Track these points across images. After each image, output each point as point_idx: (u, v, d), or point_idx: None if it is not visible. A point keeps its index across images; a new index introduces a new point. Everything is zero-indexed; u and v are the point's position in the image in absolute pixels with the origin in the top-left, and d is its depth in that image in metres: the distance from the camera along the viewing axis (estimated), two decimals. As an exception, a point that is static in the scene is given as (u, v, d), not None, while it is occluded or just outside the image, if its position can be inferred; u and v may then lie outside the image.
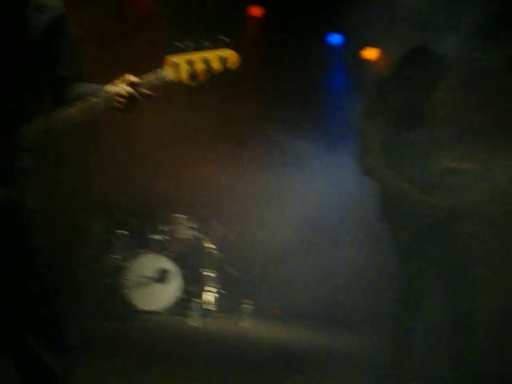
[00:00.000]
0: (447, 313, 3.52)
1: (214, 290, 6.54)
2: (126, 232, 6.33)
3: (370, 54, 6.84)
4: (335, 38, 7.48)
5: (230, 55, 2.09)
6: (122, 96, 2.06)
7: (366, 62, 6.87)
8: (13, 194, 2.02)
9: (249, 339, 5.20)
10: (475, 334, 3.48)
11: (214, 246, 6.73)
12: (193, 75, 2.08)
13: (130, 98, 2.07)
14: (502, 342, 4.37)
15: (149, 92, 2.09)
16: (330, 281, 6.85)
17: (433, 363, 4.10)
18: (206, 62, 2.08)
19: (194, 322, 5.55)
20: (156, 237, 6.39)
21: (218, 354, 4.42)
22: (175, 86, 2.10)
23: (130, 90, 2.06)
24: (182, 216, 6.58)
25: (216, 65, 2.09)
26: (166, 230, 6.47)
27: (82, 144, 6.35)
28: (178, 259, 6.31)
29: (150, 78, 2.09)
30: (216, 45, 2.10)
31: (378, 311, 5.66)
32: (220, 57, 2.08)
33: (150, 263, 6.12)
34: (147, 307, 5.96)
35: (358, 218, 6.23)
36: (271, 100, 7.66)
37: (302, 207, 6.75)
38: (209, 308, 6.38)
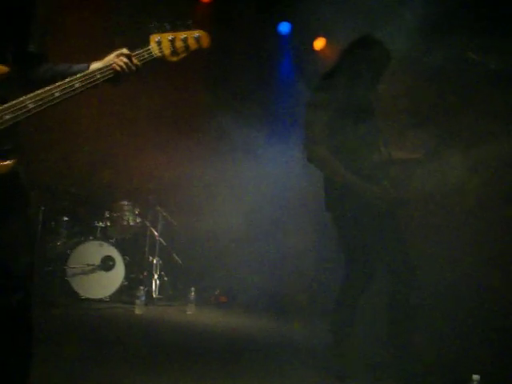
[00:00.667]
0: (389, 300, 3.59)
1: (159, 277, 6.50)
2: (69, 219, 6.21)
3: (319, 43, 6.87)
4: (285, 27, 7.48)
5: (204, 36, 2.45)
6: (119, 66, 2.29)
7: (315, 51, 6.90)
8: None
9: (194, 326, 5.19)
10: (416, 320, 3.56)
11: (158, 233, 6.68)
12: (174, 52, 2.40)
13: (124, 68, 2.30)
14: (443, 328, 4.50)
15: (140, 64, 2.35)
16: (276, 268, 6.90)
17: (375, 349, 4.19)
18: (184, 40, 2.41)
19: (139, 309, 5.49)
20: (100, 224, 6.30)
21: (163, 342, 4.40)
22: (159, 61, 2.40)
23: (125, 60, 2.30)
24: (127, 203, 6.49)
25: (192, 43, 2.42)
26: (110, 216, 6.37)
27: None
28: (122, 246, 6.24)
29: (140, 52, 2.36)
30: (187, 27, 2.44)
31: (324, 298, 5.74)
32: (195, 37, 2.42)
33: (94, 250, 6.03)
34: (91, 295, 5.88)
35: (305, 206, 6.29)
36: (220, 87, 7.63)
37: (248, 195, 6.76)
38: (153, 295, 6.34)
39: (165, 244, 6.79)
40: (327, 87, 3.57)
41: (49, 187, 6.15)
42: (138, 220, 6.53)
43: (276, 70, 7.68)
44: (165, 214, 6.81)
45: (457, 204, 4.70)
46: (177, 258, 6.94)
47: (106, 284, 5.99)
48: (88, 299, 5.83)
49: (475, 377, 2.76)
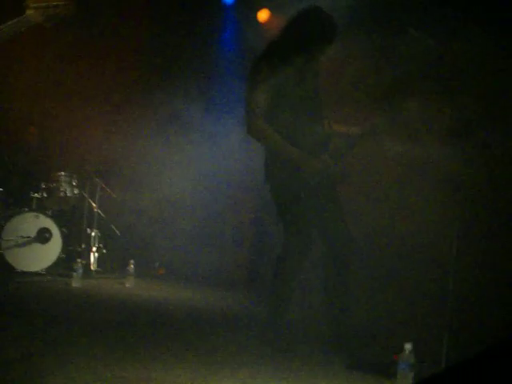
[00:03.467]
0: (326, 271, 3.64)
1: (97, 249, 6.40)
2: (2, 189, 6.02)
3: (263, 15, 6.81)
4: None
5: (70, 2, 2.60)
6: None
7: (259, 23, 6.84)
8: None
9: (131, 299, 5.14)
10: (352, 291, 3.63)
11: (96, 205, 6.57)
12: (47, 18, 2.57)
13: None
14: (378, 301, 4.62)
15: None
16: (216, 241, 6.91)
17: (313, 321, 4.26)
18: (55, 7, 2.56)
19: (76, 282, 5.40)
20: (36, 195, 6.13)
21: (100, 315, 4.34)
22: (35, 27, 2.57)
23: None
24: (64, 173, 6.34)
25: (61, 10, 2.57)
26: (46, 187, 6.21)
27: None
28: (58, 218, 6.10)
29: (17, 21, 2.53)
30: None
31: (263, 271, 5.79)
32: (64, 4, 2.58)
33: (30, 222, 5.87)
34: (27, 268, 5.74)
35: (247, 180, 6.28)
36: (161, 59, 7.51)
37: (189, 169, 6.72)
38: (91, 268, 6.24)
39: (103, 216, 6.68)
40: (269, 60, 3.53)
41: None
42: (76, 191, 6.39)
43: (218, 40, 7.58)
44: (103, 185, 6.69)
45: (394, 176, 4.79)
46: (115, 229, 6.85)
47: (43, 257, 5.87)
48: (23, 272, 5.70)
49: (407, 346, 2.84)
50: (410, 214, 4.70)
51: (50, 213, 6.06)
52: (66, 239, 6.05)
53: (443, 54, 3.62)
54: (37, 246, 5.86)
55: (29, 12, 2.54)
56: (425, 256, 4.54)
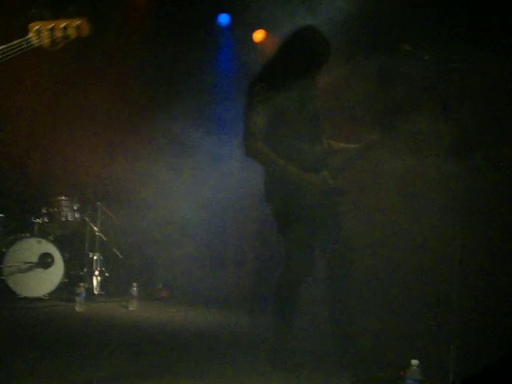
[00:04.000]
0: (328, 289, 3.63)
1: (100, 273, 6.39)
2: (4, 215, 6.03)
3: (259, 35, 6.87)
4: (224, 19, 7.44)
5: (83, 24, 2.46)
6: None
7: (255, 44, 6.89)
8: None
9: (135, 322, 5.13)
10: (356, 308, 3.62)
11: (97, 229, 6.57)
12: (53, 41, 2.43)
13: None
14: (382, 315, 4.60)
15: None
16: (217, 261, 6.90)
17: (317, 338, 4.24)
18: (64, 29, 2.43)
19: (79, 306, 5.39)
20: (37, 220, 6.14)
21: (104, 339, 4.33)
22: (38, 51, 2.44)
23: None
24: (65, 198, 6.35)
25: (72, 32, 2.44)
26: (48, 212, 6.22)
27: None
28: (60, 242, 6.10)
29: (19, 42, 2.40)
30: (70, 15, 2.47)
31: (265, 290, 5.77)
32: (75, 26, 2.45)
33: (32, 248, 5.87)
34: (29, 294, 5.73)
35: (247, 199, 6.28)
36: (158, 79, 7.55)
37: (189, 189, 6.72)
38: (94, 292, 6.23)
39: (105, 239, 6.68)
40: (266, 80, 3.56)
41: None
42: (77, 215, 6.40)
43: (215, 62, 7.63)
44: (104, 208, 6.70)
45: (393, 193, 4.81)
46: (117, 252, 6.84)
47: (45, 282, 5.86)
48: (26, 298, 5.69)
49: (414, 362, 2.83)
50: (412, 227, 4.70)
51: (51, 238, 6.06)
52: (68, 264, 6.04)
53: (441, 69, 3.65)
54: (39, 272, 5.85)
55: (31, 35, 2.42)
56: (428, 268, 4.54)
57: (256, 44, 6.87)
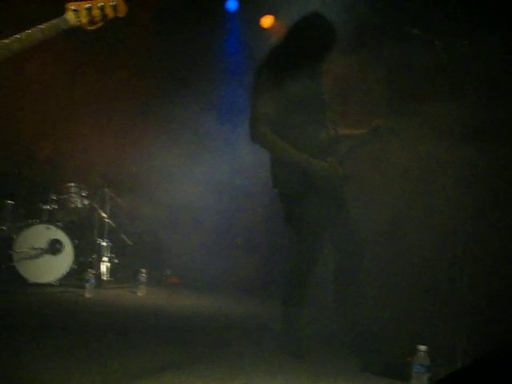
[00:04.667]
0: (336, 275, 3.63)
1: (109, 259, 6.42)
2: (13, 202, 6.05)
3: (267, 21, 6.83)
4: (232, 4, 7.40)
5: (120, 4, 2.47)
6: None
7: (263, 29, 6.86)
8: None
9: (144, 308, 5.15)
10: (363, 294, 3.62)
11: (106, 215, 6.59)
12: (91, 20, 2.43)
13: None
14: (390, 304, 4.60)
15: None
16: (227, 248, 6.91)
17: (327, 324, 4.25)
18: (102, 9, 2.43)
19: (89, 292, 5.42)
20: (47, 207, 6.16)
21: (113, 324, 4.36)
22: (77, 30, 2.43)
23: None
24: (74, 184, 6.37)
25: (109, 12, 2.45)
26: (57, 199, 6.24)
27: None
28: (69, 229, 6.13)
29: (57, 22, 2.38)
30: None
31: (277, 277, 5.79)
32: (112, 5, 2.45)
33: (41, 234, 5.90)
34: (39, 279, 5.77)
35: (258, 185, 6.27)
36: (165, 66, 7.54)
37: (199, 175, 6.72)
38: (103, 278, 6.26)
39: (114, 226, 6.70)
40: (272, 66, 3.55)
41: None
42: (86, 202, 6.41)
43: (223, 48, 7.60)
44: (113, 195, 6.71)
45: (401, 179, 4.78)
46: (126, 239, 6.87)
47: (55, 268, 5.89)
48: (36, 284, 5.72)
49: (421, 347, 2.83)
50: (422, 217, 4.67)
51: (60, 224, 6.08)
52: (77, 250, 6.07)
53: (451, 55, 3.61)
54: (49, 258, 5.88)
55: (68, 14, 2.40)
56: (438, 258, 4.52)
57: (263, 29, 6.84)
